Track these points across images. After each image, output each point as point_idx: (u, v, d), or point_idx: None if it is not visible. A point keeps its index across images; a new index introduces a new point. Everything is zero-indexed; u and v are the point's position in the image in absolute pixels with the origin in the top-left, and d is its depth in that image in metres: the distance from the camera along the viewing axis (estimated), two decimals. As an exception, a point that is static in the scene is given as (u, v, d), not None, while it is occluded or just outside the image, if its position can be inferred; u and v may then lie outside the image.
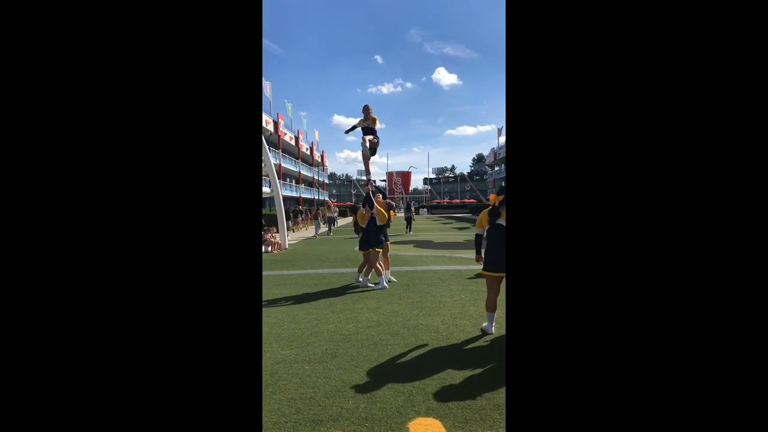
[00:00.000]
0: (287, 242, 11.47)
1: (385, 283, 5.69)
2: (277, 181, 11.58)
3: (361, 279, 6.00)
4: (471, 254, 9.05)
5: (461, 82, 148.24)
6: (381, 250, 5.92)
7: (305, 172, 39.10)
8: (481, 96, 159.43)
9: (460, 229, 19.20)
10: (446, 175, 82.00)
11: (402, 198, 60.92)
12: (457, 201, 58.43)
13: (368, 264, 5.88)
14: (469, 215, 38.51)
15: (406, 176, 66.96)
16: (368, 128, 6.06)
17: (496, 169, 48.12)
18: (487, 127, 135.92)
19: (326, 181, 50.92)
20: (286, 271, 7.32)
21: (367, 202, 6.05)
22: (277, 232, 11.32)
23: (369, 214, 5.98)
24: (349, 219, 34.52)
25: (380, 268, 5.80)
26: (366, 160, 6.21)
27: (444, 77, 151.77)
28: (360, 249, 6.11)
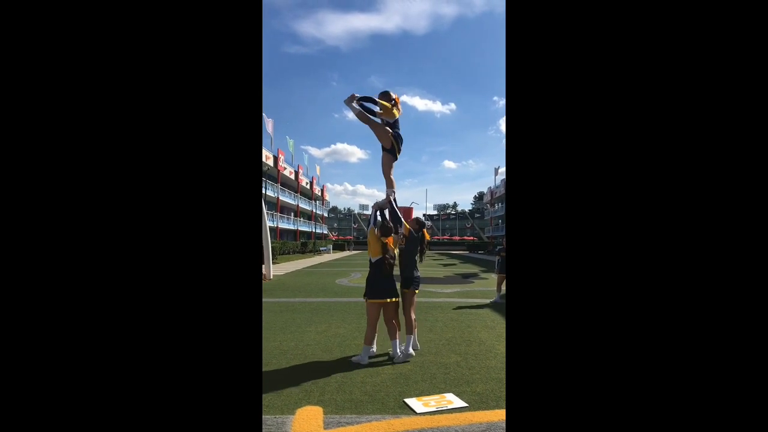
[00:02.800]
0: (272, 273, 12.02)
1: (411, 350, 3.83)
2: (264, 211, 12.19)
3: (400, 351, 3.71)
4: (443, 288, 9.57)
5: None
6: (416, 291, 4.05)
7: (304, 205, 40.02)
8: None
9: (445, 265, 19.74)
10: (447, 212, 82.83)
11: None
12: (457, 238, 58.96)
13: (392, 320, 3.77)
14: (466, 253, 38.99)
15: (407, 211, 67.52)
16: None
17: (496, 207, 48.87)
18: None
19: (325, 214, 51.83)
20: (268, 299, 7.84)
21: (391, 219, 3.95)
22: (263, 262, 11.87)
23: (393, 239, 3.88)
24: (346, 253, 34.99)
25: (395, 325, 3.80)
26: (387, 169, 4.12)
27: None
28: (376, 297, 3.72)
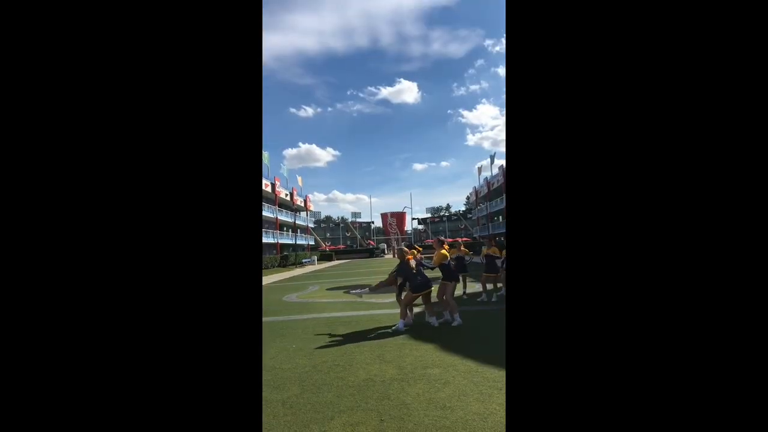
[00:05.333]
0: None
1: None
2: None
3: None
4: (381, 299, 8.90)
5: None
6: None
7: (286, 218, 39.38)
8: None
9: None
10: (440, 214, 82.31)
11: (396, 239, 60.89)
12: (450, 240, 58.44)
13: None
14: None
15: (400, 216, 67.26)
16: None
17: (480, 206, 48.35)
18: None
19: (311, 225, 51.12)
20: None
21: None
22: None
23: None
24: (332, 263, 34.33)
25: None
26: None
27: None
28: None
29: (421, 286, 5.44)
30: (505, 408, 2.78)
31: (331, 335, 5.42)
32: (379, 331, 5.48)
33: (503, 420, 2.61)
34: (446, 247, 6.12)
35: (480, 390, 3.14)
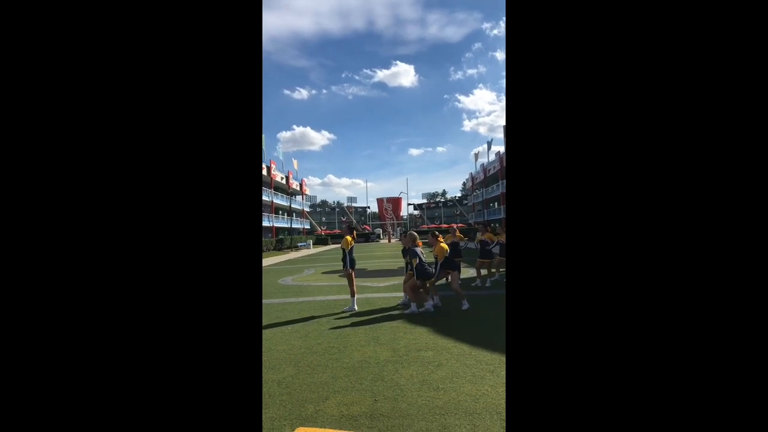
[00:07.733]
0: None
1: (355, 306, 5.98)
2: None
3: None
4: (375, 282, 8.97)
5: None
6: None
7: (281, 201, 39.28)
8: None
9: (414, 255, 19.09)
10: (436, 200, 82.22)
11: (392, 224, 60.97)
12: (445, 226, 58.56)
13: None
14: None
15: (396, 202, 67.20)
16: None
17: (476, 192, 48.35)
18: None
19: (307, 209, 50.91)
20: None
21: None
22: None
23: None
24: (327, 248, 34.41)
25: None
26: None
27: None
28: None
29: (429, 274, 5.70)
30: (496, 389, 2.84)
31: (326, 318, 5.46)
32: (374, 314, 5.54)
33: (495, 401, 2.66)
34: (441, 238, 6.27)
35: (472, 372, 3.20)
